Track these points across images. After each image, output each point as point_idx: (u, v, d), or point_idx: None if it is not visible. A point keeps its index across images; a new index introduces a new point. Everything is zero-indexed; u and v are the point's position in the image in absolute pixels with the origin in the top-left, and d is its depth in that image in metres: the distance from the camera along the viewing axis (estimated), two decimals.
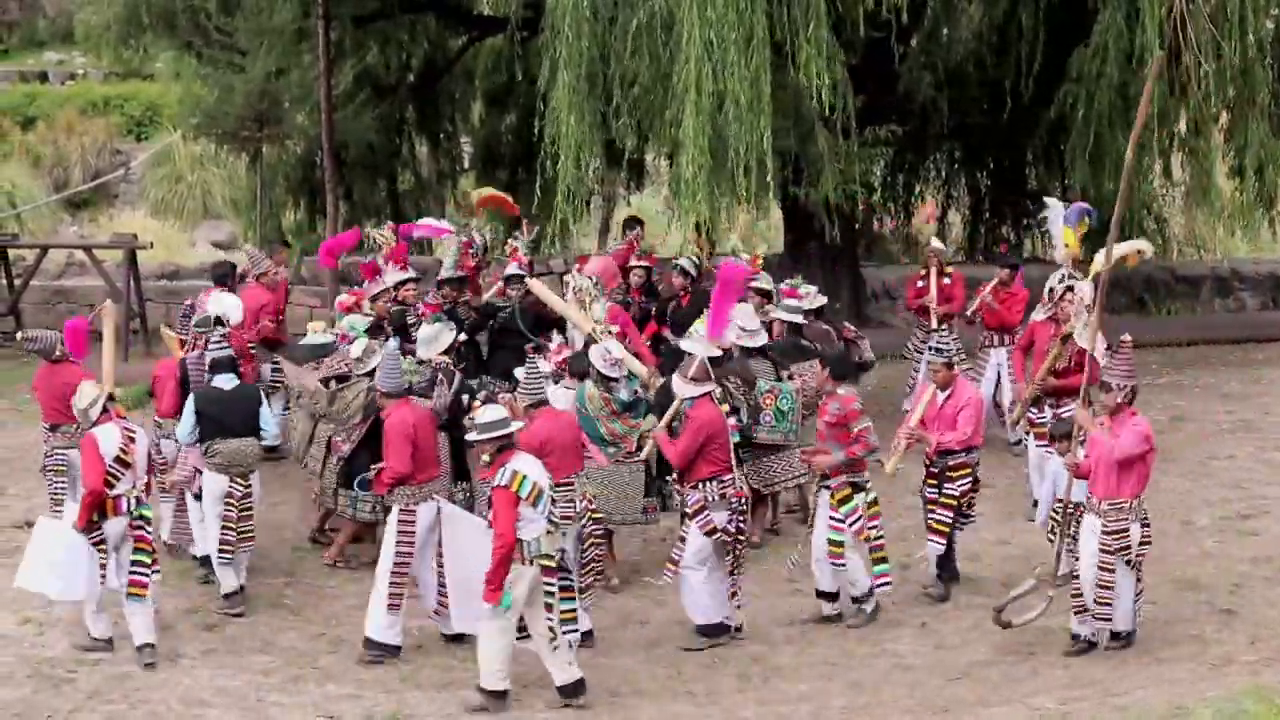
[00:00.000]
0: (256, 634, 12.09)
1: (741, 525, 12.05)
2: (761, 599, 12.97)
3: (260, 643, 11.97)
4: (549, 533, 10.78)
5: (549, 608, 10.75)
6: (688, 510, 12.06)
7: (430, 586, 11.92)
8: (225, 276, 16.08)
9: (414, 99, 25.18)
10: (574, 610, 11.06)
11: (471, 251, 16.81)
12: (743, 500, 12.05)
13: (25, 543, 13.96)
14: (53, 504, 13.63)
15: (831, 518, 12.23)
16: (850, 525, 12.19)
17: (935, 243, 17.80)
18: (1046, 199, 15.37)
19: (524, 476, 10.64)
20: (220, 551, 12.51)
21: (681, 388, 12.08)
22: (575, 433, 12.29)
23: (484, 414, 10.98)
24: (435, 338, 13.77)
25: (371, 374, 13.14)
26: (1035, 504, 14.31)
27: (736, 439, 12.74)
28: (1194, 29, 17.29)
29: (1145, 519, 11.42)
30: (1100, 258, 13.48)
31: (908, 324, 23.51)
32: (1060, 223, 14.91)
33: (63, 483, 13.60)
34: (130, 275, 21.68)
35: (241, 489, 12.56)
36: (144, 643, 11.44)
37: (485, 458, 10.92)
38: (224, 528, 12.48)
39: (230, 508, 12.48)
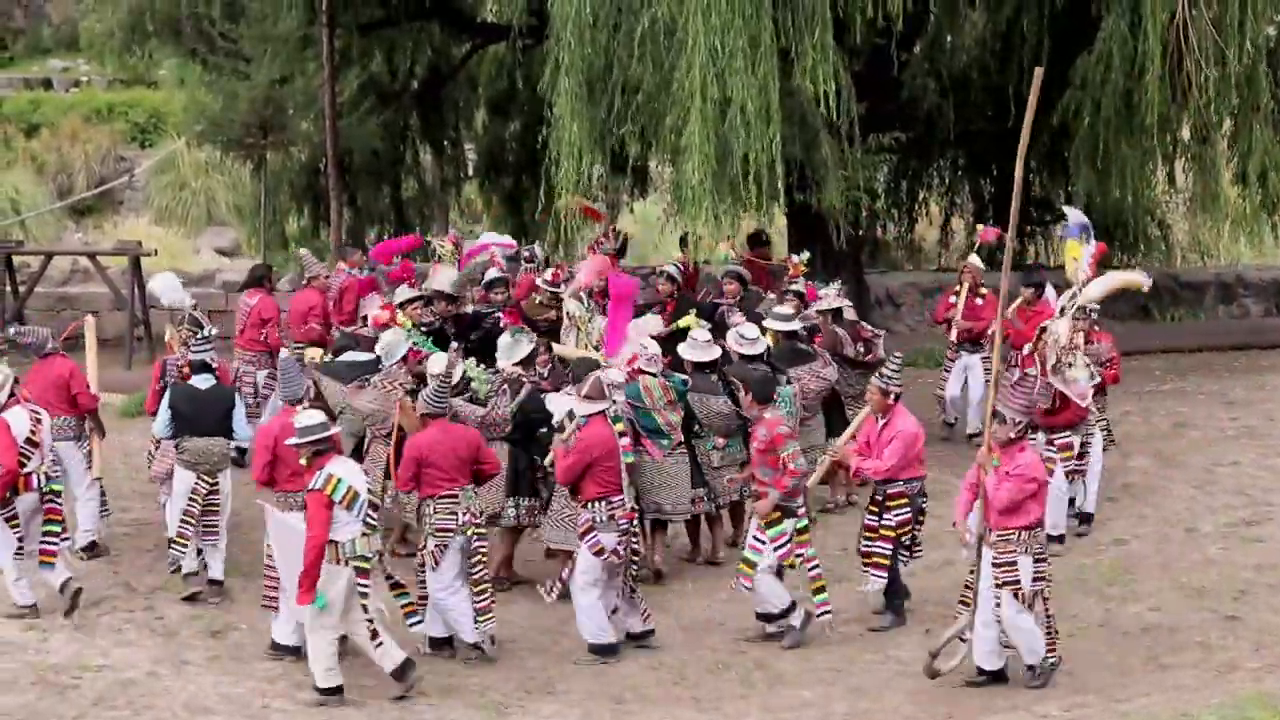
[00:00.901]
0: (260, 641, 12.09)
1: (635, 547, 11.97)
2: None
3: (264, 649, 11.97)
4: (364, 535, 10.99)
5: (365, 609, 10.98)
6: (578, 530, 12.05)
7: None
8: (262, 278, 16.92)
9: (418, 106, 25.20)
10: (411, 604, 11.56)
11: (531, 265, 17.02)
12: (632, 522, 11.92)
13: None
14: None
15: (754, 538, 12.08)
16: (775, 549, 12.00)
17: (974, 259, 17.53)
18: (1067, 209, 15.15)
19: (338, 480, 10.86)
20: (173, 542, 12.91)
21: (576, 405, 12.05)
22: (467, 447, 11.97)
23: (302, 418, 11.21)
24: (512, 348, 13.67)
25: (464, 386, 13.12)
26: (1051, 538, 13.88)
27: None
28: (1196, 35, 17.29)
29: (1040, 553, 11.02)
30: (1087, 290, 13.45)
31: (910, 329, 23.60)
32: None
33: (57, 473, 13.57)
34: (134, 282, 21.69)
35: (207, 485, 12.81)
36: (63, 580, 12.29)
37: (303, 460, 11.12)
38: (183, 521, 12.78)
39: (194, 503, 12.74)
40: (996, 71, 20.07)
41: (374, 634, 11.04)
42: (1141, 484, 15.96)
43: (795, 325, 15.03)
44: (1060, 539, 13.81)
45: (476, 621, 11.79)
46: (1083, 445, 14.22)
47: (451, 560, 11.78)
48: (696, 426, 13.89)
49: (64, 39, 36.45)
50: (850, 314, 16.24)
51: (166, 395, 13.20)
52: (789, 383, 14.31)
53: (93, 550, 13.90)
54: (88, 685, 11.19)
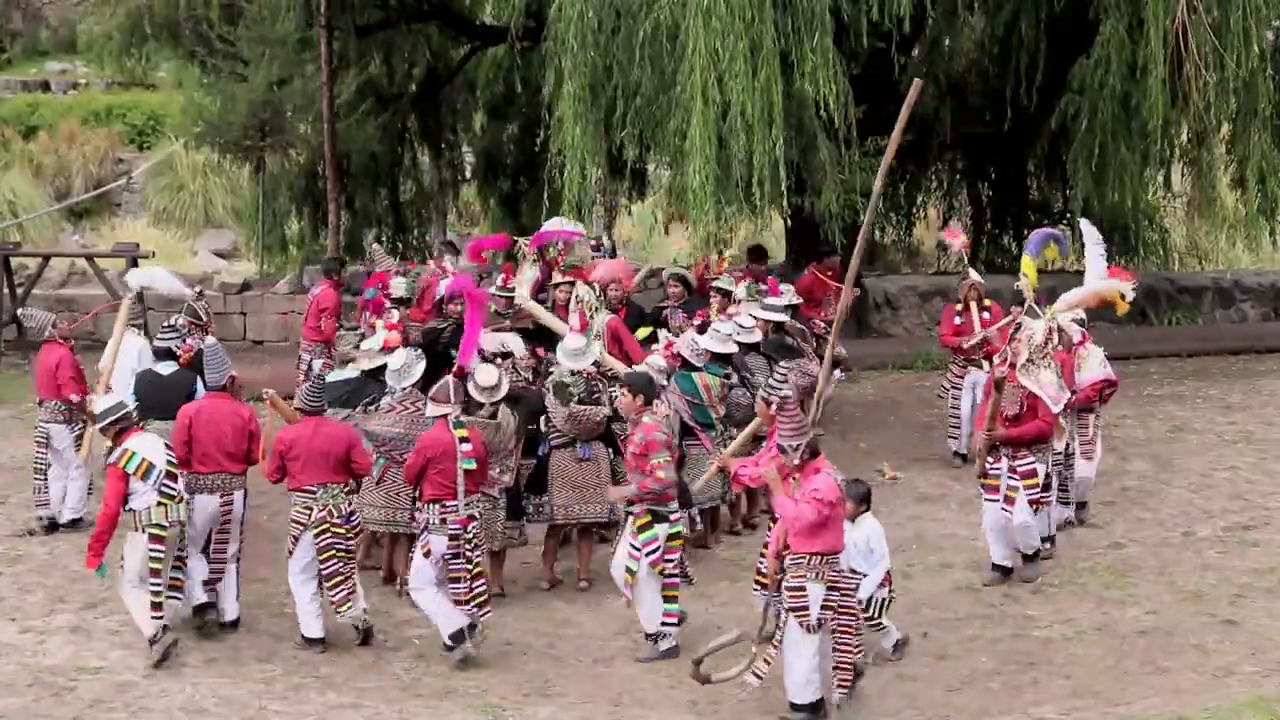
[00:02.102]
0: (258, 643, 12.08)
1: (470, 554, 11.77)
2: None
3: (262, 651, 11.95)
4: (160, 504, 11.49)
5: (155, 573, 11.51)
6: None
7: (197, 573, 12.21)
8: (330, 271, 17.79)
9: (416, 109, 25.25)
10: (180, 579, 11.87)
11: (599, 254, 17.03)
12: (465, 528, 11.75)
13: (28, 551, 14.06)
14: (34, 473, 14.84)
15: (631, 545, 11.90)
16: (646, 555, 11.81)
17: (973, 274, 16.71)
18: (1084, 224, 15.04)
19: (132, 453, 11.45)
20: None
21: (427, 407, 12.04)
22: (337, 445, 11.99)
23: (100, 401, 11.84)
24: (583, 351, 13.54)
25: (513, 399, 12.98)
26: (994, 567, 13.31)
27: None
28: (1196, 40, 17.32)
29: (832, 583, 10.45)
30: (1065, 296, 13.36)
31: (908, 333, 23.61)
32: (1095, 246, 14.03)
33: (43, 453, 14.69)
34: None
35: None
36: None
37: (108, 442, 11.64)
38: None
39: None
40: (995, 76, 20.12)
41: (158, 603, 11.61)
42: (1139, 488, 15.98)
43: (785, 316, 15.29)
44: (1029, 560, 13.15)
45: (339, 610, 11.94)
46: (1048, 476, 13.19)
47: (301, 553, 11.98)
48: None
49: (62, 41, 36.55)
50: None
51: (132, 381, 13.80)
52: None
53: (76, 526, 14.48)
54: (84, 687, 11.18)
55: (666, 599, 11.93)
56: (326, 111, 21.50)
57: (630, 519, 11.90)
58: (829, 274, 17.68)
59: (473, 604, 11.70)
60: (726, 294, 15.67)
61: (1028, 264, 13.82)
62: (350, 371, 13.99)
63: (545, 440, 13.39)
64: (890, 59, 18.15)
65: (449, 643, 11.65)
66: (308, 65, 23.05)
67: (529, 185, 24.72)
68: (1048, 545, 13.58)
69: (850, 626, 10.61)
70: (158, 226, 29.92)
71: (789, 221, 20.08)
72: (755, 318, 15.03)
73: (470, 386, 12.64)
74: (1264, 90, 18.54)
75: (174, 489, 11.64)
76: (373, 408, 13.22)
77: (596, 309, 14.81)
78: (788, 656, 10.60)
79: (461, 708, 10.97)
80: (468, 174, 27.35)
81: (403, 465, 12.44)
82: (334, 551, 11.92)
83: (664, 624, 11.91)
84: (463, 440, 11.72)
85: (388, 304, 15.60)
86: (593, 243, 17.27)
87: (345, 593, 11.92)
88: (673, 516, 11.91)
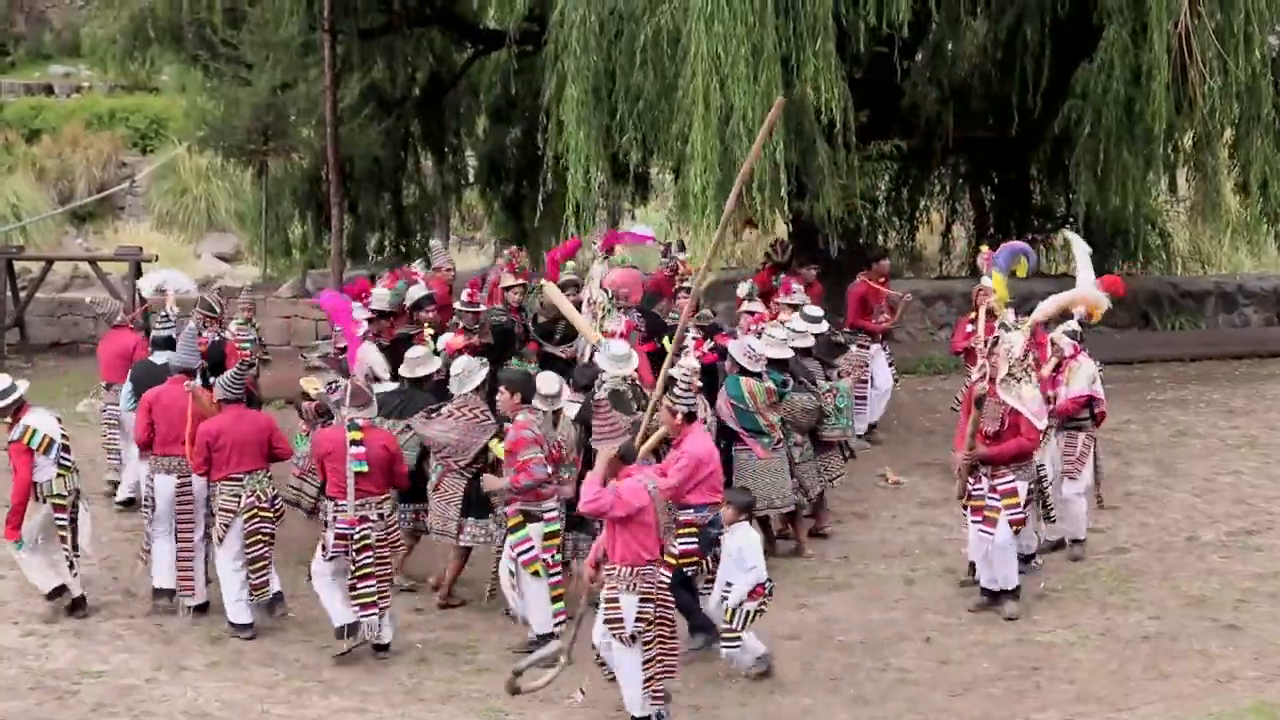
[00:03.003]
0: (261, 646, 12.09)
1: (357, 555, 11.74)
2: (766, 613, 12.92)
3: (265, 655, 11.97)
4: (60, 475, 12.43)
5: (62, 539, 12.45)
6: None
7: (161, 556, 12.73)
8: (394, 268, 17.91)
9: (419, 113, 25.23)
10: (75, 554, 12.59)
11: (667, 260, 17.28)
12: (354, 528, 11.73)
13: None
14: (108, 453, 15.65)
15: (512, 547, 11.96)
16: (517, 555, 11.81)
17: (986, 282, 16.06)
18: (1067, 233, 14.97)
19: (34, 430, 12.31)
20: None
21: (349, 410, 11.98)
22: (259, 433, 12.32)
23: None
24: (626, 357, 13.47)
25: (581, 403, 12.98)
26: (982, 592, 12.87)
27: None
28: (1199, 45, 17.31)
29: (646, 594, 10.31)
30: (1042, 306, 13.23)
31: (911, 337, 23.59)
32: (1083, 257, 13.75)
33: (116, 434, 15.35)
34: (135, 288, 21.68)
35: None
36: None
37: (7, 418, 12.47)
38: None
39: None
40: (998, 80, 20.10)
41: (70, 564, 12.56)
42: (1142, 493, 15.97)
43: (824, 326, 15.31)
44: (1009, 595, 12.61)
45: (255, 594, 12.25)
46: (1029, 493, 12.61)
47: (232, 541, 12.21)
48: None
49: (66, 45, 36.55)
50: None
51: (131, 369, 14.49)
52: (841, 376, 15.01)
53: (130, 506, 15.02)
54: (87, 691, 11.19)
55: (554, 599, 11.89)
56: (329, 115, 21.48)
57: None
58: (881, 280, 17.68)
59: (356, 603, 11.77)
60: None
61: (997, 280, 13.71)
62: (391, 383, 13.84)
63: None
64: (893, 63, 18.15)
65: (336, 636, 11.86)
66: (311, 69, 23.03)
67: (531, 189, 24.68)
68: (1036, 562, 13.35)
69: (668, 637, 10.54)
70: (161, 230, 29.93)
71: (790, 226, 20.04)
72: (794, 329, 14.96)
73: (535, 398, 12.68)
74: (1267, 95, 18.54)
75: (69, 460, 12.59)
76: (434, 415, 13.03)
77: (608, 312, 14.82)
78: (616, 670, 10.60)
79: (464, 712, 10.98)
80: (470, 178, 27.32)
81: (457, 473, 12.64)
82: (260, 536, 12.26)
83: (557, 622, 11.86)
84: (354, 443, 11.73)
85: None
86: (663, 248, 17.35)
87: (265, 578, 12.30)
88: (547, 515, 11.91)
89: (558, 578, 11.96)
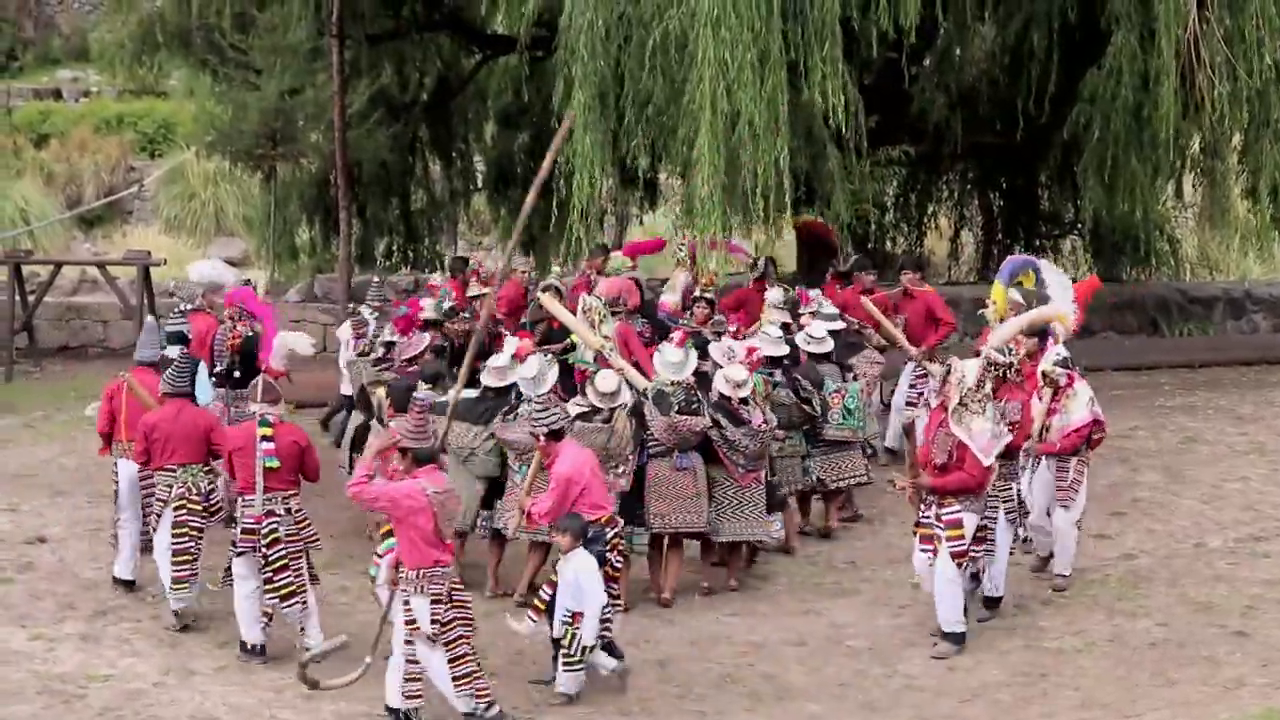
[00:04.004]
0: (269, 650, 12.08)
1: (269, 551, 11.77)
2: (772, 618, 12.95)
3: (273, 659, 11.96)
4: None
5: None
6: None
7: (125, 541, 13.27)
8: (455, 270, 18.27)
9: (427, 118, 25.25)
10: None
11: (756, 274, 17.25)
12: (260, 524, 11.79)
13: (38, 558, 14.07)
14: None
15: (375, 553, 11.75)
16: (384, 559, 11.65)
17: (1013, 294, 15.76)
18: (1039, 260, 14.87)
19: None
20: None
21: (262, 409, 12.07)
22: (196, 429, 12.50)
23: None
24: (684, 363, 13.46)
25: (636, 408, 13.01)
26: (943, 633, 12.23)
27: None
28: (1208, 51, 17.29)
29: (436, 596, 10.47)
30: (999, 333, 13.08)
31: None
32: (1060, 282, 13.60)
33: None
34: (144, 292, 21.72)
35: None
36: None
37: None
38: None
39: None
40: (1006, 85, 20.10)
41: None
42: (1150, 499, 15.95)
43: (840, 324, 15.41)
44: (958, 639, 12.03)
45: (175, 587, 12.44)
46: (981, 530, 12.02)
47: (162, 530, 12.51)
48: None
49: (74, 49, 36.60)
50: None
51: None
52: (855, 378, 15.08)
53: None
54: (94, 695, 11.19)
55: (612, 596, 11.82)
56: (338, 120, 21.52)
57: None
58: (866, 292, 17.45)
59: (275, 596, 11.90)
60: (712, 304, 16.06)
61: (998, 291, 13.48)
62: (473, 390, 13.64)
63: (642, 449, 13.32)
64: (901, 69, 18.15)
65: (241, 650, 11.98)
66: (319, 74, 23.08)
67: (539, 194, 24.72)
68: (989, 613, 12.65)
69: (465, 638, 10.64)
70: (169, 235, 29.93)
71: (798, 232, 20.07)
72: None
73: (590, 392, 12.84)
74: (1276, 100, 18.49)
75: None
76: (511, 417, 13.06)
77: (604, 318, 14.84)
78: (426, 668, 10.70)
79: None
80: (479, 183, 27.34)
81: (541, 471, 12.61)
82: (187, 528, 12.42)
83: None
84: (265, 439, 11.82)
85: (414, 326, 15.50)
86: (749, 260, 17.37)
87: (188, 572, 12.44)
88: None
89: None
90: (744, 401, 13.30)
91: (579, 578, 11.06)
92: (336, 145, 21.76)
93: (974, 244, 26.45)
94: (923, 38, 18.05)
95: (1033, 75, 19.05)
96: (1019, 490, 12.68)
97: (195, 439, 12.50)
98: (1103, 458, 17.00)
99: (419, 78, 25.27)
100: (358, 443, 14.27)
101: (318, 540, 12.39)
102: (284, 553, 11.82)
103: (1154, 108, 17.52)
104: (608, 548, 11.64)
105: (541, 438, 11.78)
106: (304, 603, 11.95)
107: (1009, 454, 12.29)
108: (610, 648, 11.50)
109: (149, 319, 14.89)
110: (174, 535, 12.40)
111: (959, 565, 11.89)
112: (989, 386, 11.95)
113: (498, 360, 13.60)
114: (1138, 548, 14.51)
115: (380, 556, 11.44)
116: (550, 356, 14.07)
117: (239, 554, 11.89)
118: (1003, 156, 23.14)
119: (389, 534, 11.47)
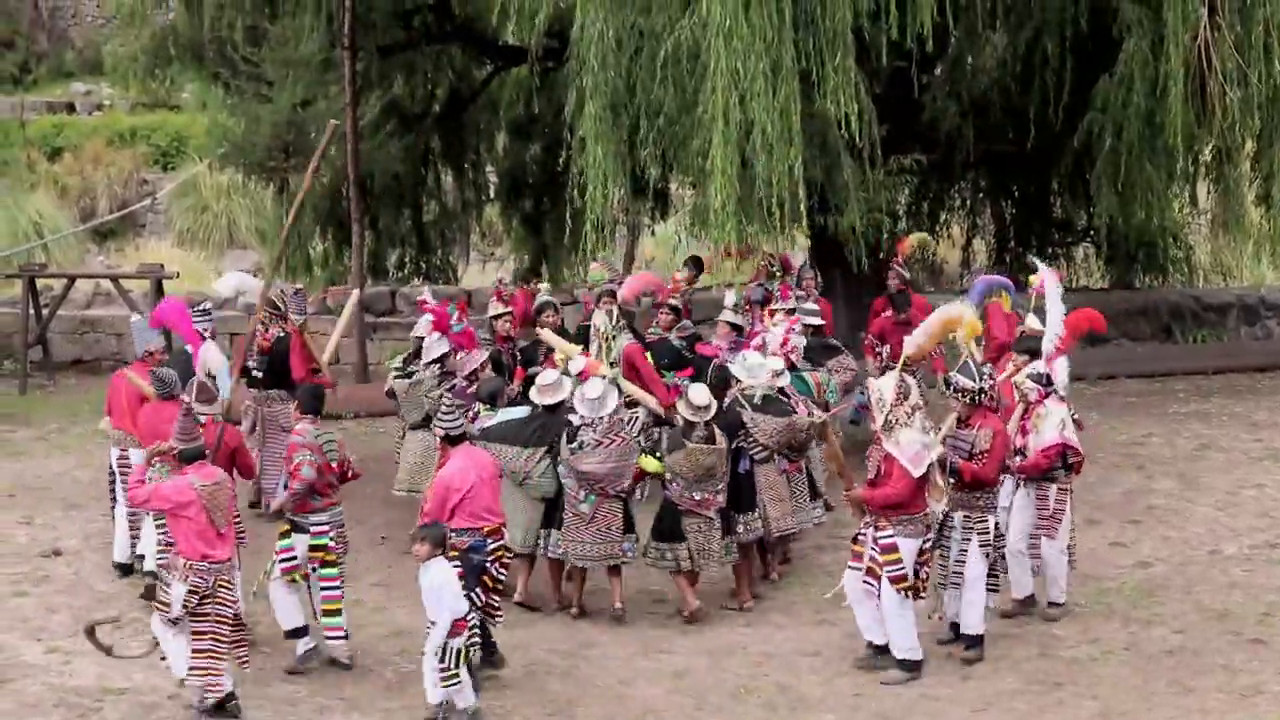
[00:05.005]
0: (283, 663, 12.09)
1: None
2: (788, 628, 12.95)
3: (286, 672, 11.97)
4: None
5: None
6: None
7: (120, 529, 13.92)
8: (524, 281, 18.77)
9: (439, 129, 25.27)
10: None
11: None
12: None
13: (53, 571, 14.10)
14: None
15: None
16: (281, 561, 11.90)
17: (1032, 320, 15.24)
18: (1036, 260, 14.73)
19: None
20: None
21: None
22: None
23: None
24: (760, 368, 13.52)
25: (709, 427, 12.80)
26: (870, 647, 12.04)
27: None
28: (1219, 57, 17.25)
29: (195, 587, 10.84)
30: (911, 342, 12.92)
31: (934, 353, 23.52)
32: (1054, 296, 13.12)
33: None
34: (156, 305, 21.74)
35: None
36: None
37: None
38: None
39: None
40: (1018, 93, 20.04)
41: None
42: (1165, 506, 15.93)
43: (818, 319, 15.53)
44: (911, 666, 11.73)
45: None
46: (921, 553, 11.64)
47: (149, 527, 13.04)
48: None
49: (87, 63, 36.75)
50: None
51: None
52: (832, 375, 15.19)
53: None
54: (110, 708, 11.21)
55: (328, 613, 11.97)
56: (350, 132, 21.55)
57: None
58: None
59: None
60: (677, 311, 16.20)
61: (969, 312, 12.78)
62: (519, 410, 13.64)
63: (745, 456, 13.33)
64: (912, 78, 18.13)
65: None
66: (331, 86, 23.13)
67: (552, 205, 24.74)
68: (973, 649, 12.11)
69: (214, 634, 10.91)
70: (182, 247, 30.03)
71: (812, 241, 20.02)
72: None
73: (682, 407, 12.71)
74: None
75: None
76: (576, 445, 12.82)
77: (615, 336, 14.83)
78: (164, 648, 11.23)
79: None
80: (491, 194, 27.36)
81: (614, 498, 12.71)
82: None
83: (329, 637, 11.99)
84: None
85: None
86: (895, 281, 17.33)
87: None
88: (313, 529, 11.96)
89: (333, 593, 11.99)
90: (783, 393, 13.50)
91: (435, 586, 10.88)
92: (349, 157, 21.80)
93: (986, 252, 26.39)
94: (934, 46, 18.00)
95: (1044, 83, 19.00)
96: (996, 523, 12.09)
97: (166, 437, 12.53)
98: (1117, 466, 17.08)
99: (431, 89, 25.30)
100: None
101: (244, 536, 12.45)
102: None
103: (1166, 115, 17.48)
104: (489, 558, 11.64)
105: (437, 439, 11.97)
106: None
107: (984, 486, 11.87)
108: (491, 652, 11.67)
109: (134, 318, 15.64)
110: (158, 527, 12.53)
111: (902, 591, 11.56)
112: (916, 397, 11.66)
113: (546, 378, 13.46)
114: (1153, 555, 14.50)
115: (277, 554, 11.92)
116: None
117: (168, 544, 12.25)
118: (1015, 164, 23.07)
119: (284, 535, 11.92)
